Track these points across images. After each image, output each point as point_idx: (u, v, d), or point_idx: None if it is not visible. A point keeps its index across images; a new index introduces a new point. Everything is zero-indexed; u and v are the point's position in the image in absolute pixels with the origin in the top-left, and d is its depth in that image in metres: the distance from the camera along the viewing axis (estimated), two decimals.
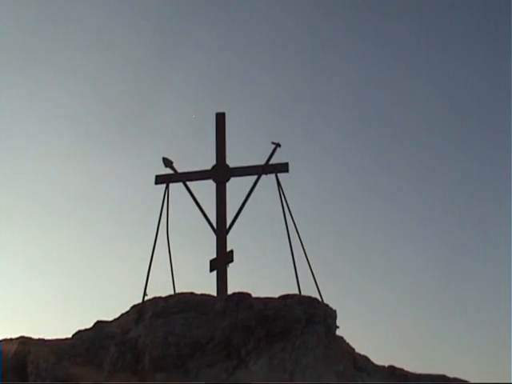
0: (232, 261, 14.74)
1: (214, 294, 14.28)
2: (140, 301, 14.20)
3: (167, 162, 15.71)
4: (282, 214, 14.88)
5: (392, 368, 13.20)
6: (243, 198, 15.29)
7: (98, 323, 14.01)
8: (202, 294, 13.90)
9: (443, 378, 13.32)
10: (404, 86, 38.99)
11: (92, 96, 35.64)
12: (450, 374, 13.47)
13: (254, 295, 13.07)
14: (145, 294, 14.40)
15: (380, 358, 13.46)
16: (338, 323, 12.75)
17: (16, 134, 35.04)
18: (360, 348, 13.21)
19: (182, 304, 13.26)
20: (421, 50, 38.66)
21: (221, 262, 14.68)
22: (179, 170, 15.71)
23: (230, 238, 14.99)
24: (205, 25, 35.86)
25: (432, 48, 37.95)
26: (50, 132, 36.29)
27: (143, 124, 34.00)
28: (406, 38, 38.98)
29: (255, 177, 15.37)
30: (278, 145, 15.48)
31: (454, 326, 34.25)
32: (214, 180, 15.39)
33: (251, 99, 34.29)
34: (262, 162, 15.42)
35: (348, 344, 12.90)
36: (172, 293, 14.41)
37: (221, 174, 15.37)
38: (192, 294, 13.88)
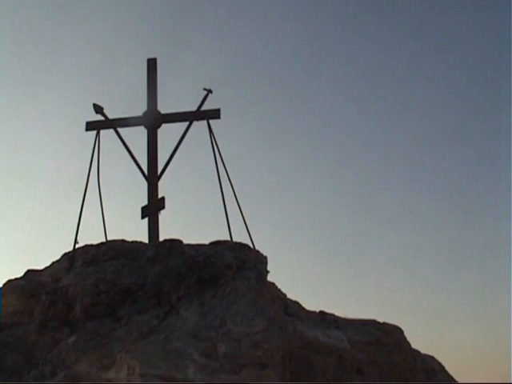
0: (163, 208, 14.68)
1: (146, 241, 14.25)
2: (71, 249, 14.11)
3: (98, 108, 15.45)
4: (213, 160, 14.84)
5: (322, 313, 13.38)
6: (175, 145, 15.18)
7: (29, 272, 13.91)
8: (133, 242, 13.88)
9: (373, 322, 13.56)
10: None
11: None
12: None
13: (185, 242, 13.08)
14: (76, 241, 14.26)
15: (311, 304, 13.66)
16: (269, 269, 12.86)
17: None
18: (291, 294, 13.38)
19: (113, 251, 13.23)
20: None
21: (152, 209, 14.61)
22: (110, 117, 15.50)
23: (161, 184, 14.91)
24: None
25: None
26: None
27: (72, 68, 33.34)
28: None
29: (187, 123, 15.25)
30: (209, 91, 15.33)
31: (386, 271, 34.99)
32: (145, 126, 15.22)
33: (183, 45, 33.86)
34: (194, 108, 15.30)
35: (279, 290, 13.01)
36: (103, 240, 14.35)
37: (152, 119, 15.21)
38: (123, 241, 13.86)
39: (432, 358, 14.11)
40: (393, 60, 38.53)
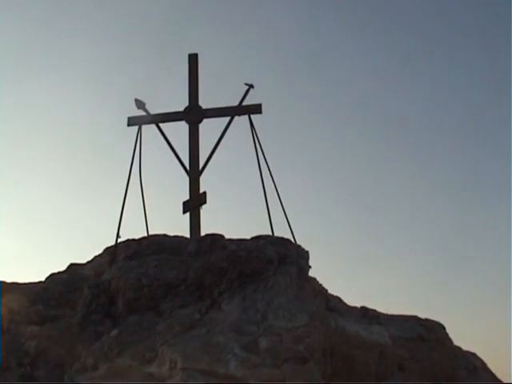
0: (205, 202, 14.72)
1: (188, 235, 14.29)
2: (113, 243, 14.20)
3: (139, 104, 15.56)
4: (255, 155, 14.86)
5: (364, 309, 13.31)
6: (216, 140, 15.22)
7: (72, 266, 14.02)
8: (175, 236, 13.90)
9: (415, 318, 13.47)
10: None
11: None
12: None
13: (227, 237, 13.09)
14: (118, 236, 14.34)
15: (352, 299, 13.60)
16: (310, 264, 12.83)
17: None
18: (333, 289, 13.33)
19: (154, 246, 13.27)
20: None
21: (194, 204, 14.65)
22: (152, 112, 15.58)
23: (203, 179, 14.97)
24: None
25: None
26: None
27: (116, 64, 33.51)
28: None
29: (228, 118, 15.28)
30: (251, 86, 15.35)
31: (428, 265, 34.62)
32: (187, 121, 15.27)
33: (224, 39, 33.89)
34: (236, 103, 15.31)
35: (321, 285, 12.98)
36: (145, 235, 14.41)
37: (193, 115, 15.26)
38: (165, 235, 13.88)
39: (474, 355, 13.97)
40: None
